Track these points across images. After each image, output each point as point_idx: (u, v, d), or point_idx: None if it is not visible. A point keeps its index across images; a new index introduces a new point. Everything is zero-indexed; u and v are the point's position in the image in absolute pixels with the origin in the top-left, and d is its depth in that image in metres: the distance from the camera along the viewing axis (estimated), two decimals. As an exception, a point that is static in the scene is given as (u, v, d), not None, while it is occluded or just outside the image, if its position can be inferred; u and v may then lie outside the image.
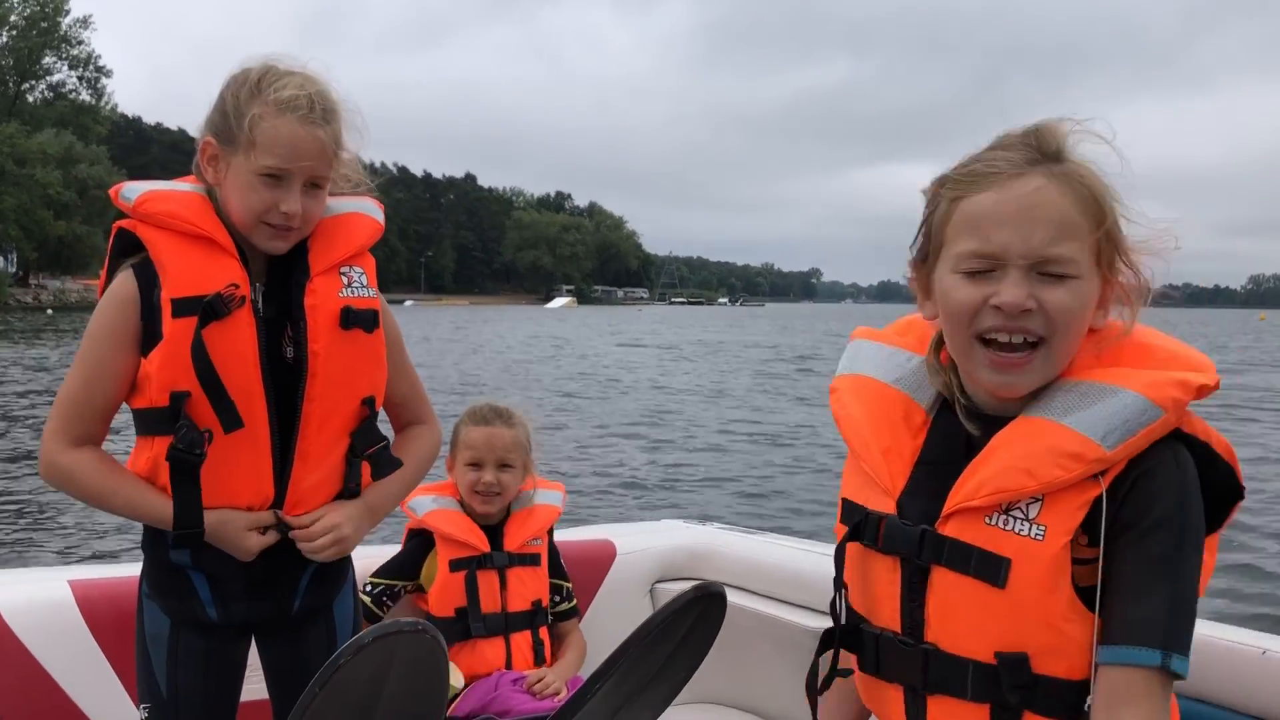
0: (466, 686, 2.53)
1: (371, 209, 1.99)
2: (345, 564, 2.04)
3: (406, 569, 2.62)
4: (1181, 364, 1.24)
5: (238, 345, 1.77)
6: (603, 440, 14.17)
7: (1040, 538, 1.20)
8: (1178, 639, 1.16)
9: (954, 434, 1.32)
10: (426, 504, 2.63)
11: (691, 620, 1.58)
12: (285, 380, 1.82)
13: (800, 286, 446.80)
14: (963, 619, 1.25)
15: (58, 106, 79.92)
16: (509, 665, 2.57)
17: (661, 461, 12.45)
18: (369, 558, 2.65)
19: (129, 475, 1.83)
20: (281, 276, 1.85)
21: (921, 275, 1.35)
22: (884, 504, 1.34)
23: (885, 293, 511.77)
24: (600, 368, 28.26)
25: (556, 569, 2.74)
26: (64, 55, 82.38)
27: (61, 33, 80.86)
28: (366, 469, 1.94)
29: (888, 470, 1.35)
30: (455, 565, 2.57)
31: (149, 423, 1.79)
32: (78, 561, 7.21)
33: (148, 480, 1.82)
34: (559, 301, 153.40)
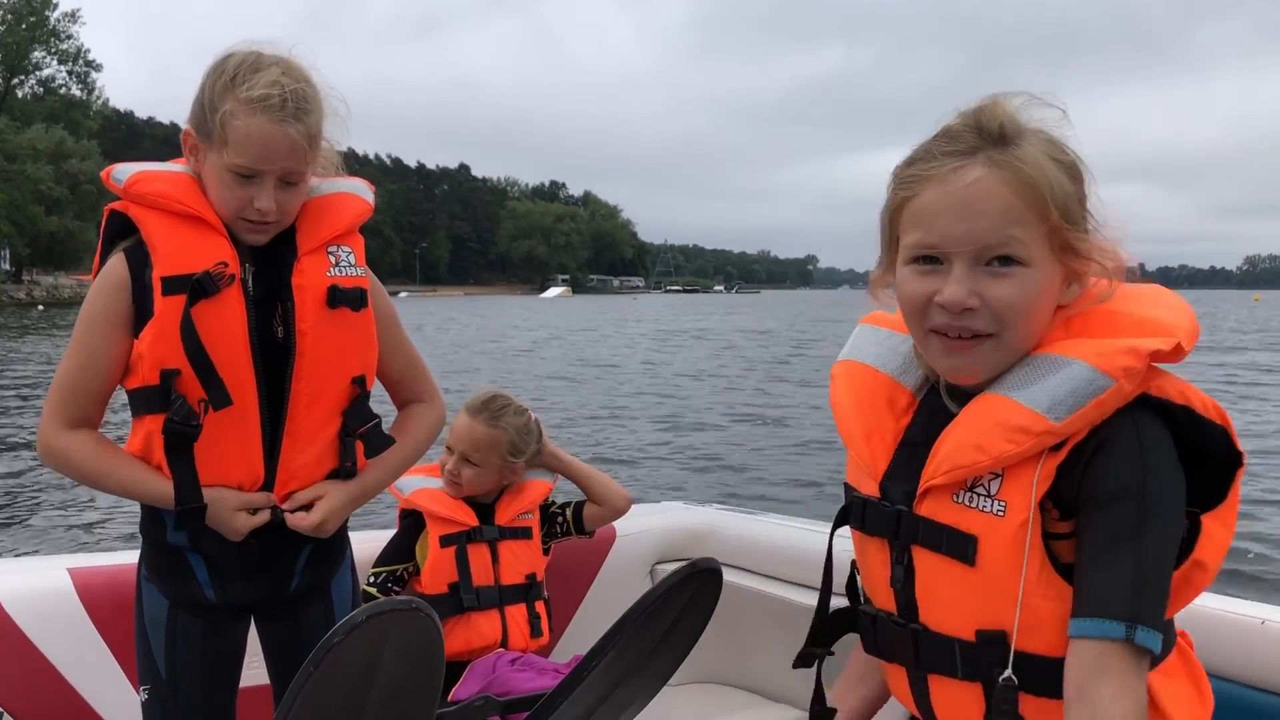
0: (466, 665, 2.53)
1: (360, 189, 1.99)
2: (343, 543, 2.04)
3: (402, 552, 2.62)
4: (1147, 330, 1.20)
5: (227, 323, 1.77)
6: (600, 423, 14.18)
7: (1001, 513, 1.19)
8: (1143, 611, 1.13)
9: (937, 415, 1.31)
10: (413, 484, 2.64)
11: (687, 597, 1.57)
12: (275, 360, 1.82)
13: (797, 273, 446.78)
14: (944, 598, 1.25)
15: (48, 101, 79.57)
16: (505, 639, 2.58)
17: (661, 444, 12.47)
18: (369, 542, 2.65)
19: (125, 456, 1.84)
20: (270, 257, 1.85)
21: (881, 276, 1.35)
22: (870, 487, 1.34)
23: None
24: (595, 353, 28.25)
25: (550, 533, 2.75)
26: (53, 50, 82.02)
27: (50, 27, 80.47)
28: (362, 447, 1.94)
29: (869, 453, 1.35)
30: (445, 541, 2.58)
31: (142, 402, 1.79)
32: (77, 549, 7.21)
33: (143, 461, 1.82)
34: (554, 291, 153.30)
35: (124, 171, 1.81)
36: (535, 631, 2.62)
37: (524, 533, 2.67)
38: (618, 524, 3.09)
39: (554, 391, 18.39)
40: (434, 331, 38.19)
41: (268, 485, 1.86)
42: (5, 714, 2.34)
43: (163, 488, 1.79)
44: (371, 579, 2.57)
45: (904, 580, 1.29)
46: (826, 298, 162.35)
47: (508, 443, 2.62)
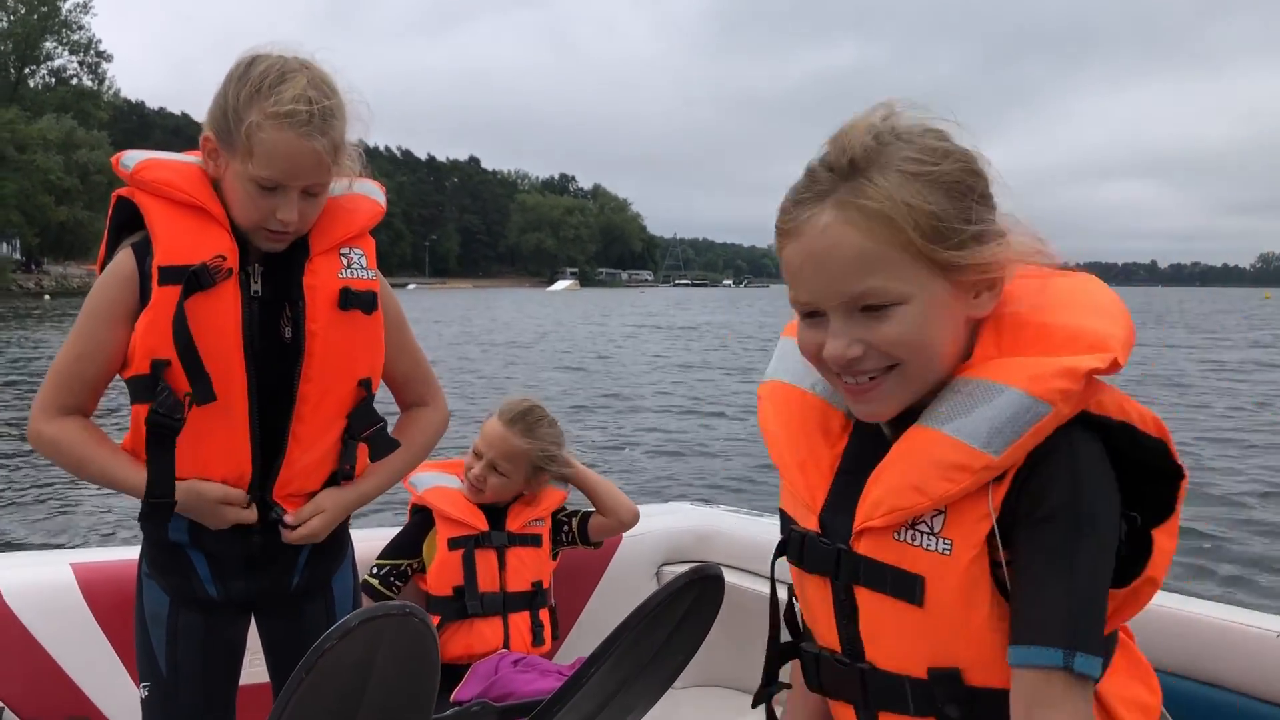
0: (467, 667, 2.51)
1: (372, 190, 1.98)
2: (344, 540, 2.04)
3: (407, 548, 2.60)
4: (1081, 344, 1.13)
5: (219, 318, 1.76)
6: (606, 423, 14.18)
7: (948, 552, 1.14)
8: (1080, 637, 1.08)
9: (872, 438, 1.24)
10: (427, 480, 2.63)
11: (689, 602, 1.55)
12: (280, 359, 1.81)
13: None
14: (892, 637, 1.20)
15: (59, 92, 79.95)
16: (506, 646, 2.55)
17: (668, 444, 12.46)
18: (370, 540, 2.63)
19: (109, 445, 1.83)
20: (281, 256, 1.84)
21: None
22: (808, 520, 1.27)
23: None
24: (595, 347, 28.27)
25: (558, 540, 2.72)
26: (64, 40, 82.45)
27: (61, 17, 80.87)
28: (364, 450, 1.93)
29: (805, 484, 1.28)
30: (454, 543, 2.55)
31: (135, 390, 1.79)
32: (81, 544, 7.23)
33: (132, 452, 1.82)
34: (561, 284, 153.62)
35: (132, 158, 1.81)
36: (537, 640, 2.59)
37: (534, 540, 2.64)
38: None
39: (554, 384, 18.40)
40: (434, 325, 38.24)
41: (261, 483, 1.85)
42: (6, 709, 2.33)
43: (138, 479, 1.78)
44: (374, 570, 2.55)
45: (848, 619, 1.23)
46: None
47: (540, 455, 2.59)
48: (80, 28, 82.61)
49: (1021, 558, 1.12)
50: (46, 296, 57.63)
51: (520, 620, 2.58)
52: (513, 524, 2.62)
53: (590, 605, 2.91)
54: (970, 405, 1.13)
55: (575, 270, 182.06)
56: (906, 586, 1.16)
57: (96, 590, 2.39)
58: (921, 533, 1.15)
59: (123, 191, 1.82)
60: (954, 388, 1.16)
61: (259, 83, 1.71)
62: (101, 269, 1.84)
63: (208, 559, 1.87)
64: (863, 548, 1.20)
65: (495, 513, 2.62)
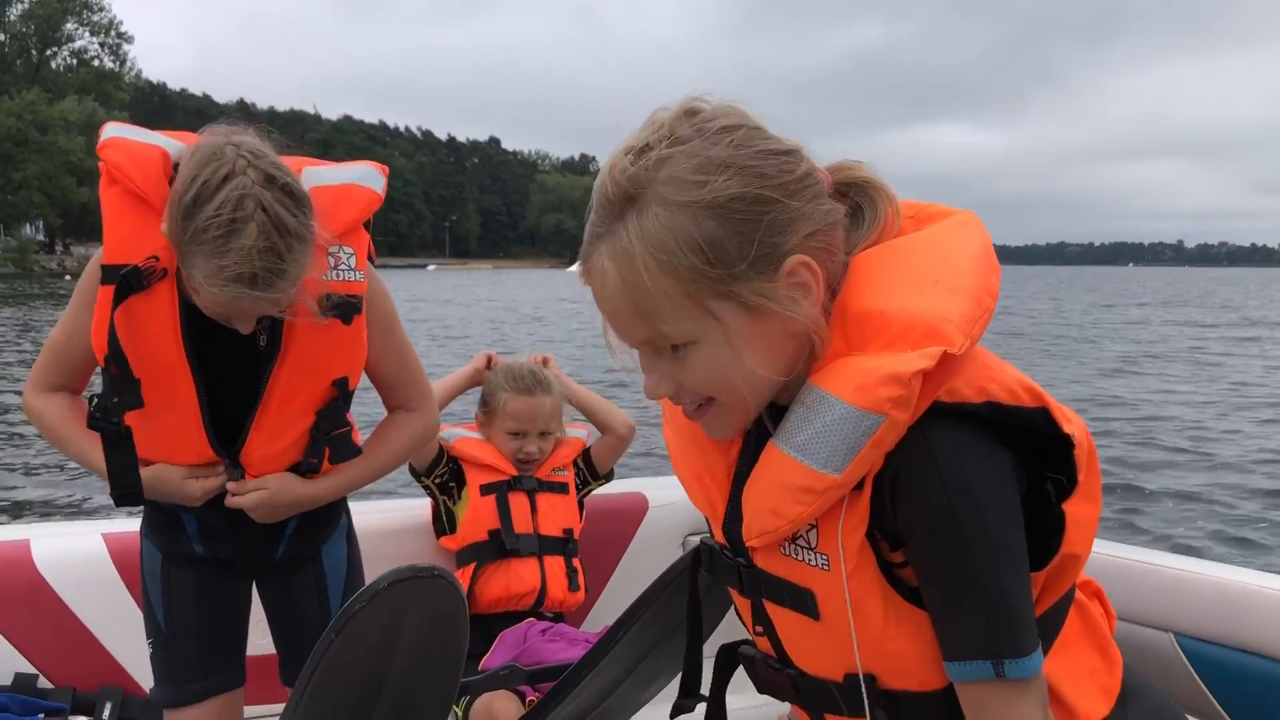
0: (503, 616, 2.54)
1: (370, 177, 1.87)
2: (337, 511, 2.01)
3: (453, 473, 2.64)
4: (915, 334, 1.03)
5: (154, 321, 1.70)
6: (633, 394, 14.17)
7: (826, 568, 1.10)
8: (1003, 644, 1.04)
9: (761, 442, 1.16)
10: (457, 433, 2.67)
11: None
12: (251, 361, 1.77)
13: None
14: (805, 645, 1.18)
15: (80, 73, 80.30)
16: (544, 588, 2.57)
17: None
18: (373, 513, 2.65)
19: (85, 427, 1.79)
20: None
21: None
22: (716, 531, 1.24)
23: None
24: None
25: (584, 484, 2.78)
26: (85, 21, 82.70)
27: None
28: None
29: (705, 496, 1.23)
30: (486, 489, 2.59)
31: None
32: (112, 514, 7.30)
33: None
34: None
35: (109, 131, 1.77)
36: (573, 585, 2.61)
37: (560, 487, 2.68)
38: (650, 495, 3.07)
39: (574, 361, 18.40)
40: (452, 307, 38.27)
41: (231, 461, 1.82)
42: (40, 675, 2.37)
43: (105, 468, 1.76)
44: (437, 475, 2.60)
45: (767, 628, 1.21)
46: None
47: (562, 399, 2.69)
48: (101, 9, 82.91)
49: (920, 575, 1.08)
50: (68, 276, 58.06)
51: (555, 564, 2.60)
52: (539, 471, 2.66)
53: (617, 574, 2.91)
54: (808, 421, 1.07)
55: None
56: (800, 600, 1.13)
57: (128, 559, 2.42)
58: (801, 547, 1.12)
59: (101, 168, 1.77)
60: (800, 398, 1.10)
61: (205, 228, 1.56)
62: None
63: (197, 521, 1.88)
64: (760, 561, 1.17)
65: (521, 465, 2.67)
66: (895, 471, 1.04)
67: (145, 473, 1.77)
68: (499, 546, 2.55)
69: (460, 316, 30.76)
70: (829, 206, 1.10)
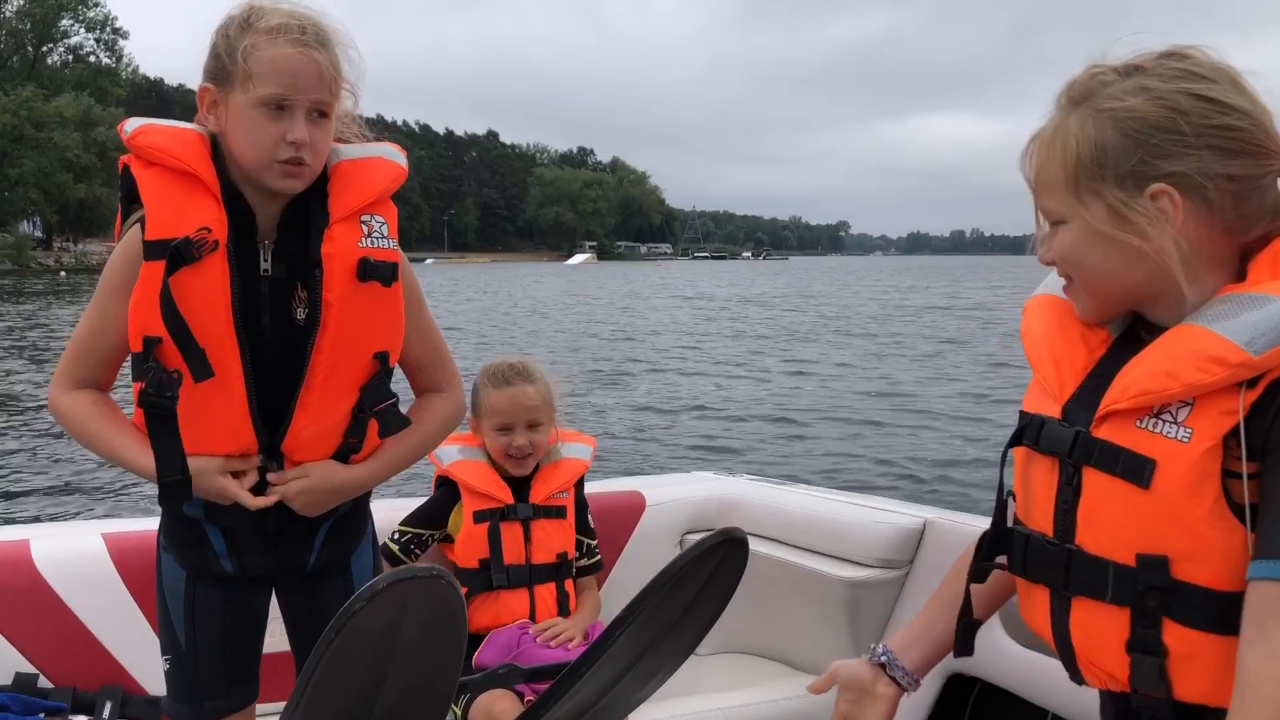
0: (487, 635, 2.52)
1: (393, 153, 1.91)
2: (363, 519, 2.00)
3: (434, 518, 2.61)
4: None
5: (207, 292, 1.71)
6: (630, 393, 14.17)
7: (1186, 440, 1.18)
8: None
9: (1130, 348, 1.30)
10: (452, 454, 2.62)
11: (712, 566, 1.54)
12: (292, 338, 1.77)
13: (828, 239, 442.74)
14: (1108, 520, 1.24)
15: (76, 69, 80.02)
16: (532, 616, 2.56)
17: (690, 414, 12.45)
18: (392, 510, 2.65)
19: (119, 422, 1.81)
20: (295, 231, 1.78)
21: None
22: (1051, 409, 1.34)
23: (914, 244, 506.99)
24: (618, 320, 28.23)
25: (583, 525, 2.72)
26: (80, 18, 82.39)
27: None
28: (373, 430, 1.88)
29: (1057, 378, 1.35)
30: (479, 517, 2.55)
31: (135, 369, 1.77)
32: (113, 514, 7.30)
33: (138, 429, 1.79)
34: (579, 258, 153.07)
35: (133, 124, 1.79)
36: (563, 610, 2.60)
37: (558, 511, 2.63)
38: (647, 493, 3.08)
39: (579, 355, 18.38)
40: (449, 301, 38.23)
41: (271, 453, 1.81)
42: (40, 675, 2.37)
43: (147, 460, 1.73)
44: (396, 536, 2.56)
45: (1068, 501, 1.29)
46: (856, 264, 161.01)
47: (549, 391, 2.63)
48: (96, 4, 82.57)
49: (1274, 482, 1.15)
50: (63, 273, 58.04)
51: (546, 592, 2.59)
52: (536, 496, 2.61)
53: (614, 574, 2.92)
54: (1237, 310, 1.18)
55: (593, 244, 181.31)
56: (1136, 469, 1.21)
57: (128, 560, 2.42)
58: (1165, 421, 1.20)
59: (126, 159, 1.79)
60: (1224, 298, 1.22)
61: (245, 16, 1.70)
62: (118, 236, 1.82)
63: (224, 534, 1.84)
64: (1102, 432, 1.25)
65: (519, 485, 2.62)
66: None
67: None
68: (487, 579, 2.52)
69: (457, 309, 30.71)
70: (1246, 170, 1.21)
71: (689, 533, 3.07)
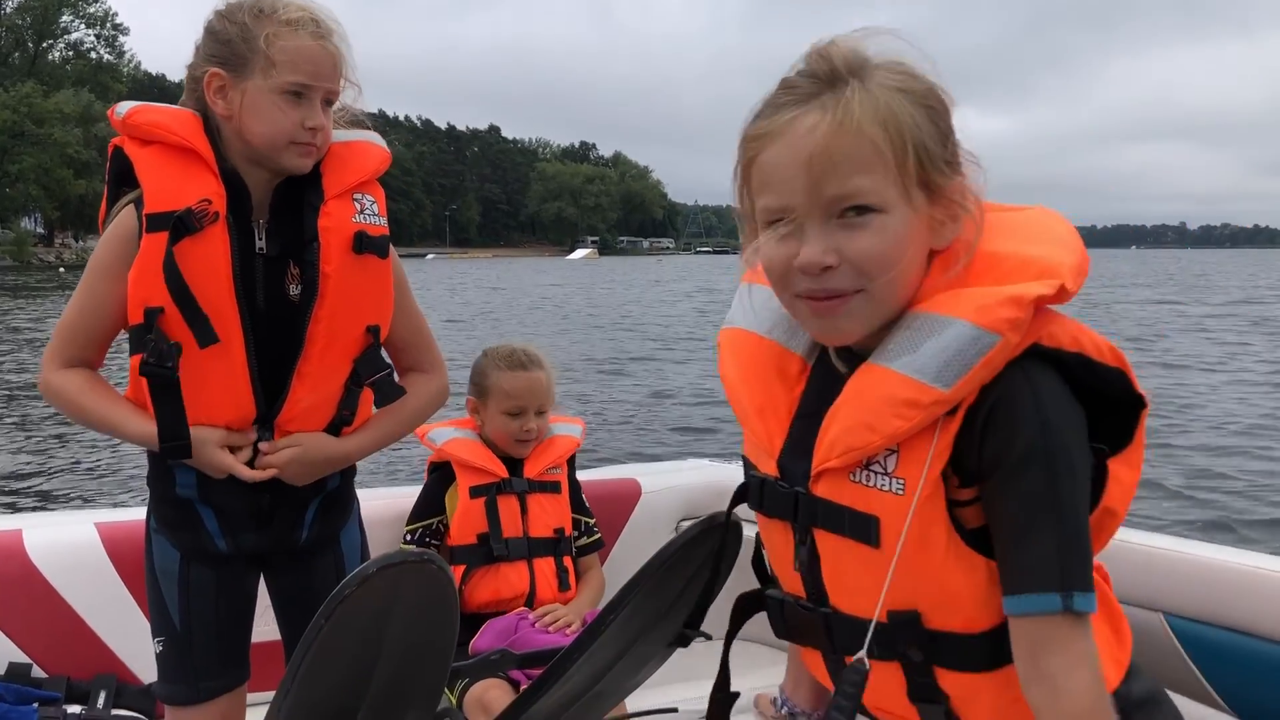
0: (488, 619, 2.53)
1: (378, 139, 1.99)
2: (350, 495, 2.04)
3: (432, 506, 2.62)
4: (1030, 272, 1.11)
5: (210, 261, 1.76)
6: (626, 383, 14.18)
7: (900, 492, 1.12)
8: (1074, 576, 1.08)
9: (830, 380, 1.22)
10: (446, 434, 2.65)
11: (707, 551, 1.53)
12: (286, 313, 1.81)
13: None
14: (851, 580, 1.19)
15: (76, 66, 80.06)
16: (533, 590, 2.57)
17: (687, 402, 12.46)
18: (382, 499, 2.65)
19: (112, 395, 1.85)
20: (289, 209, 1.84)
21: (747, 232, 1.25)
22: (768, 465, 1.27)
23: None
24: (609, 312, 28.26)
25: (578, 503, 2.73)
26: (81, 14, 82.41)
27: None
28: (365, 403, 1.93)
29: (764, 429, 1.27)
30: (475, 492, 2.58)
31: (133, 341, 1.80)
32: (105, 504, 7.31)
33: (134, 402, 1.83)
34: (580, 253, 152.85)
35: (125, 106, 1.83)
36: (564, 585, 2.61)
37: (553, 486, 2.66)
38: (643, 480, 3.08)
39: (578, 346, 18.40)
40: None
41: (266, 424, 1.86)
42: (34, 665, 2.36)
43: (144, 427, 1.79)
44: (408, 536, 2.58)
45: (809, 563, 1.23)
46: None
47: (553, 375, 2.68)
48: (96, 0, 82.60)
49: (1000, 505, 1.10)
50: (61, 269, 58.09)
51: (545, 565, 2.60)
52: (531, 471, 2.64)
53: (611, 560, 2.92)
54: (919, 340, 1.12)
55: (596, 239, 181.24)
56: (862, 527, 1.15)
57: (120, 548, 2.42)
58: (875, 473, 1.14)
59: (117, 140, 1.83)
60: (903, 324, 1.15)
61: (258, 6, 1.76)
62: (104, 220, 1.85)
63: (216, 513, 1.88)
64: (820, 490, 1.19)
65: (513, 462, 2.64)
66: (993, 403, 1.09)
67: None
68: (487, 552, 2.54)
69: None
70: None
71: (685, 519, 3.07)
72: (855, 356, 1.20)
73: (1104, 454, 1.17)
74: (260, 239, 1.81)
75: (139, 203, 1.78)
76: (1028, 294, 1.08)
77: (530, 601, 2.58)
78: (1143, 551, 2.07)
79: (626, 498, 3.00)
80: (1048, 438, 1.08)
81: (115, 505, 7.17)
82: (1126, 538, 2.12)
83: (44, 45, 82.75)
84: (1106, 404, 1.15)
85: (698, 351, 18.65)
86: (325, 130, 1.81)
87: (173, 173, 1.77)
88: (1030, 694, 1.09)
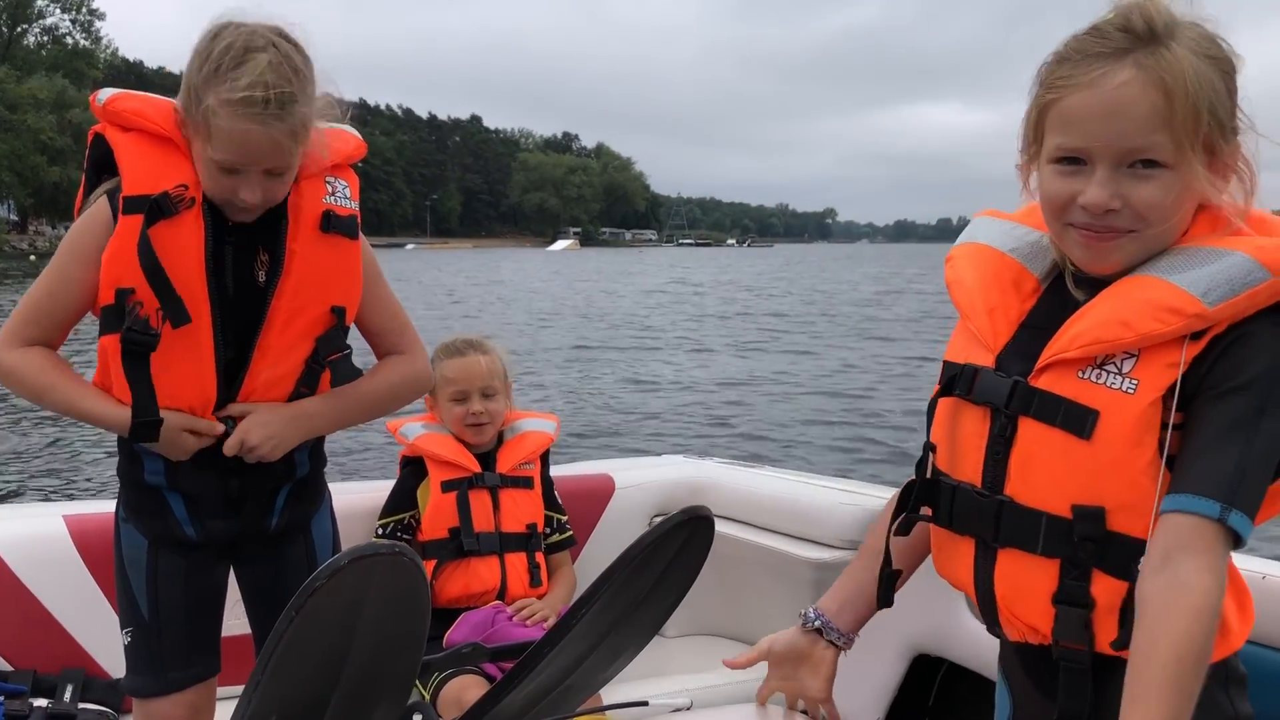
0: (464, 610, 2.52)
1: (354, 130, 1.99)
2: (321, 484, 2.05)
3: (404, 501, 2.62)
4: None
5: (183, 244, 1.77)
6: (599, 380, 14.17)
7: (1132, 391, 1.18)
8: (1240, 496, 1.12)
9: (1063, 301, 1.30)
10: (417, 430, 2.65)
11: (679, 544, 1.54)
12: (252, 296, 1.83)
13: (815, 227, 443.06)
14: (1043, 470, 1.24)
15: (52, 51, 79.14)
16: (504, 585, 2.57)
17: (662, 401, 12.47)
18: (352, 494, 2.65)
19: (71, 375, 1.84)
20: None
21: (1025, 166, 1.34)
22: (984, 359, 1.33)
23: (900, 232, 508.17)
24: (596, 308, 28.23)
25: (551, 500, 2.73)
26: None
27: (54, -26, 79.76)
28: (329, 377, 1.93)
29: (991, 328, 1.33)
30: (447, 486, 2.58)
31: (103, 323, 1.80)
32: (73, 497, 7.25)
33: (100, 388, 1.83)
34: (561, 244, 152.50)
35: (108, 93, 1.83)
36: (535, 580, 2.61)
37: (525, 482, 2.66)
38: (616, 476, 3.08)
39: (553, 340, 18.37)
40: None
41: (223, 406, 1.86)
42: (0, 659, 2.34)
43: (111, 409, 1.79)
44: (380, 530, 2.58)
45: (999, 451, 1.28)
46: (841, 251, 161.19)
47: (503, 364, 2.68)
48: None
49: (1201, 421, 1.16)
50: (32, 257, 57.49)
51: (517, 560, 2.60)
52: (503, 466, 2.64)
53: (584, 554, 2.92)
54: (1194, 263, 1.19)
55: (578, 230, 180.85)
56: (1078, 420, 1.21)
57: (89, 541, 2.40)
58: (1109, 371, 1.21)
59: (98, 128, 1.83)
60: (1173, 251, 1.22)
61: (218, 61, 1.70)
62: (80, 207, 1.85)
63: (185, 500, 1.87)
64: (1042, 382, 1.25)
65: (485, 457, 2.64)
66: (1237, 336, 1.16)
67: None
68: (458, 546, 2.54)
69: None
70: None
71: (658, 515, 3.08)
72: (1095, 287, 1.27)
73: None
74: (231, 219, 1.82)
75: (113, 191, 1.78)
76: None
77: (501, 596, 2.58)
78: None
79: (600, 493, 3.01)
80: (1271, 375, 1.14)
81: (83, 498, 7.13)
82: None
83: (19, 30, 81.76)
84: None
85: (674, 346, 18.68)
86: (269, 192, 1.78)
87: (152, 158, 1.78)
88: (1147, 584, 1.12)
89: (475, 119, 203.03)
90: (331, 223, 1.85)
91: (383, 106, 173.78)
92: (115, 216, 1.76)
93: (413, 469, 2.64)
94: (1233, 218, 1.23)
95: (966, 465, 1.32)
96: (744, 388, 13.50)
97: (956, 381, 1.34)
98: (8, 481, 8.06)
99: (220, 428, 1.83)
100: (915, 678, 2.47)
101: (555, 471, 2.85)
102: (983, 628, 2.24)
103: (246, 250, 1.83)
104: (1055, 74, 1.24)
